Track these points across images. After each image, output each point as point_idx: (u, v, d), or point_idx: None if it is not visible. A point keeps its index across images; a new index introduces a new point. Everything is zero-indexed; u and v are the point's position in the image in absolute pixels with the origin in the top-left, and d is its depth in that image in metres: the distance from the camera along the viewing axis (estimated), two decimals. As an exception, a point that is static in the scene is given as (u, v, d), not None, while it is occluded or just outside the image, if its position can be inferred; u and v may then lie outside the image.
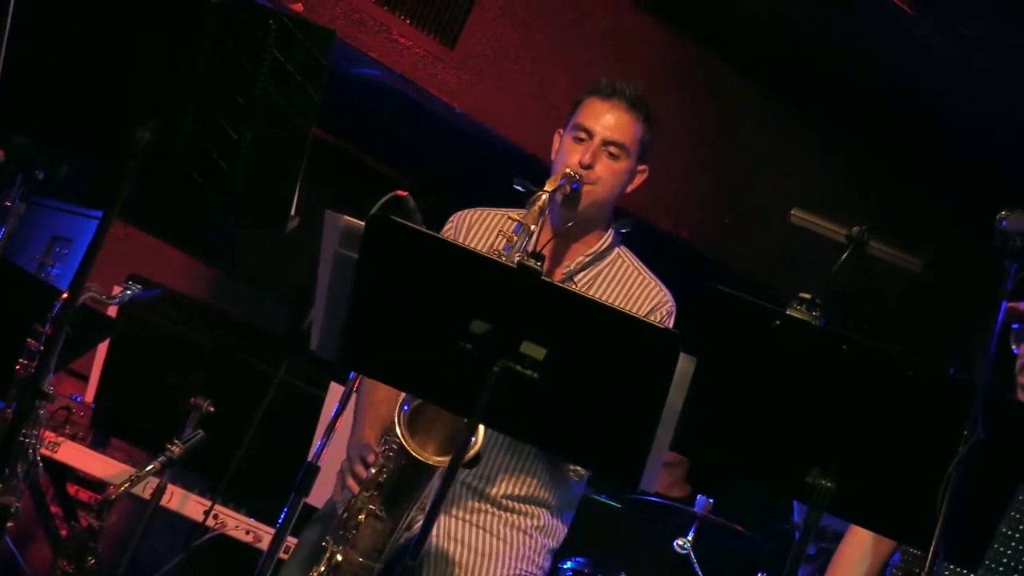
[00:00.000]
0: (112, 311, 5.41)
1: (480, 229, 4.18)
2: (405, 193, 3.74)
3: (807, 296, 3.12)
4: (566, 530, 4.19)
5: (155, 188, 3.28)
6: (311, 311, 3.29)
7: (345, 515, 3.78)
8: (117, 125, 3.19)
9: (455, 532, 3.98)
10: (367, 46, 6.63)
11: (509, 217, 3.94)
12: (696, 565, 6.06)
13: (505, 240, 3.80)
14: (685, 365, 3.00)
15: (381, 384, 3.86)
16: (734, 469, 3.31)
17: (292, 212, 3.21)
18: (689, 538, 6.04)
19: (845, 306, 3.75)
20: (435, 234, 3.23)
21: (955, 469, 2.92)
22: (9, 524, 4.22)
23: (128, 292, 4.56)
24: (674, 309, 4.13)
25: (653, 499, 6.27)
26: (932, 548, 2.91)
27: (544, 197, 3.83)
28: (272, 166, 3.19)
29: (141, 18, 3.19)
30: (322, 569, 3.76)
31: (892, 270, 7.31)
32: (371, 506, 3.74)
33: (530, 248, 3.91)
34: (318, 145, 3.24)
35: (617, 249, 4.18)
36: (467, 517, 3.99)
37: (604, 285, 4.12)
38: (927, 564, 2.91)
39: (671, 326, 4.08)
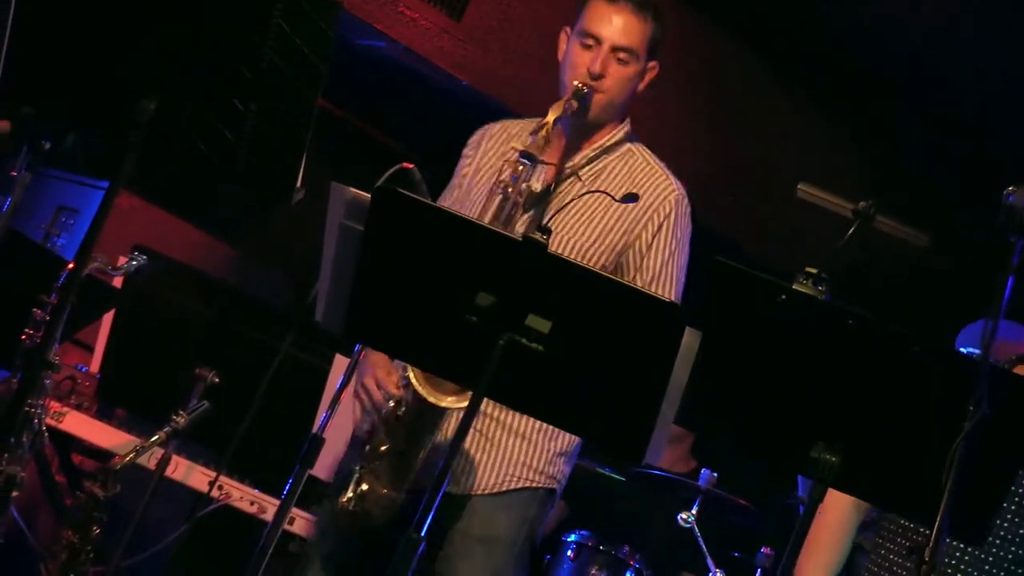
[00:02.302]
0: (117, 282, 5.41)
1: (497, 143, 4.18)
2: (411, 165, 3.74)
3: (813, 271, 3.12)
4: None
5: (161, 159, 3.28)
6: (316, 283, 3.29)
7: (368, 448, 3.81)
8: (123, 96, 3.18)
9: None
10: (373, 18, 6.62)
11: (531, 130, 3.92)
12: (700, 539, 6.06)
13: (511, 170, 3.80)
14: (690, 339, 2.99)
15: None
16: (739, 443, 3.32)
17: (298, 184, 3.21)
18: (693, 512, 6.04)
19: (851, 281, 3.74)
20: (441, 206, 3.23)
21: (960, 445, 2.92)
22: (14, 494, 4.22)
23: (134, 263, 4.56)
24: (683, 199, 4.07)
25: (657, 473, 6.27)
26: (937, 524, 2.91)
27: (548, 125, 3.83)
28: (278, 138, 3.19)
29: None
30: (350, 494, 3.80)
31: (899, 245, 7.30)
32: (392, 441, 3.76)
33: (537, 180, 3.90)
34: (324, 117, 3.23)
35: (630, 144, 4.16)
36: None
37: (610, 176, 4.08)
38: (932, 540, 2.91)
39: (680, 215, 4.05)
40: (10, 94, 3.40)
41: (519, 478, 4.00)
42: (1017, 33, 6.47)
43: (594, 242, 4.02)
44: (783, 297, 3.03)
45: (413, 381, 3.69)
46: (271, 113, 3.17)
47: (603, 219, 4.04)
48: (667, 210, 4.04)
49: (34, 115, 4.20)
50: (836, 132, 7.90)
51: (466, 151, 4.27)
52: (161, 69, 3.18)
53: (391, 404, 3.81)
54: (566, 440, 4.07)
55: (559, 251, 3.73)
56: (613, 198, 4.03)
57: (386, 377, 3.89)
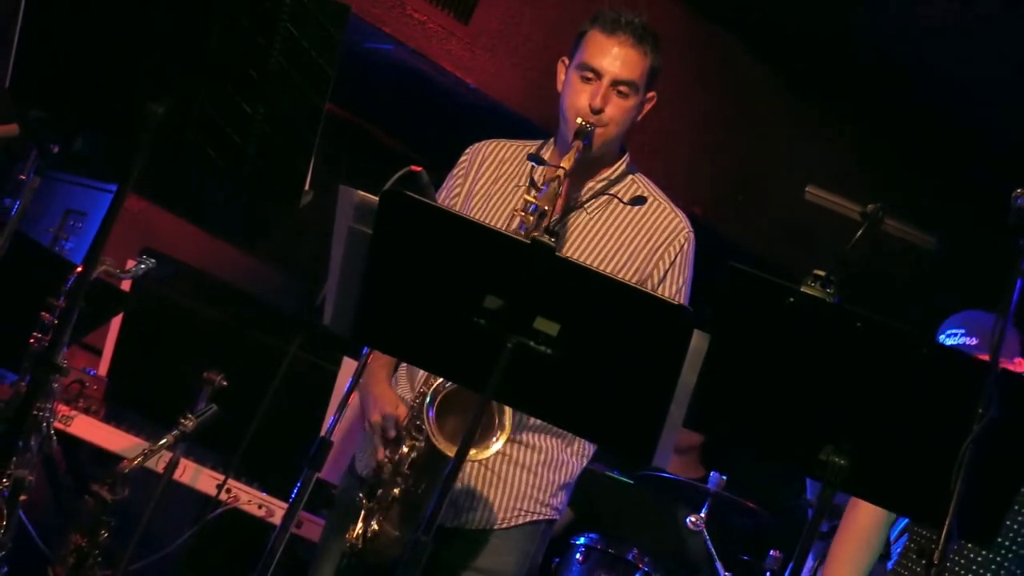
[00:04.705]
0: (126, 285, 5.41)
1: (492, 164, 4.17)
2: (419, 168, 3.74)
3: (821, 273, 3.12)
4: (582, 463, 4.11)
5: (169, 162, 3.28)
6: (324, 286, 3.29)
7: (380, 490, 3.80)
8: (131, 99, 3.18)
9: None
10: (381, 21, 6.62)
11: (527, 152, 3.89)
12: (709, 542, 6.06)
13: (519, 219, 3.79)
14: (699, 342, 2.99)
15: None
16: (747, 446, 3.31)
17: (306, 187, 3.21)
18: (702, 515, 6.04)
19: (860, 283, 3.74)
20: (449, 209, 3.22)
21: (968, 447, 2.92)
22: (23, 497, 4.22)
23: (142, 266, 4.56)
24: (692, 237, 4.07)
25: (666, 475, 6.27)
26: (945, 527, 2.91)
27: (561, 176, 3.82)
28: (286, 141, 3.19)
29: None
30: (359, 530, 3.79)
31: (907, 248, 7.30)
32: (404, 484, 3.76)
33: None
34: (332, 120, 3.23)
35: (632, 176, 4.15)
36: None
37: (615, 212, 4.08)
38: (940, 542, 2.91)
39: (690, 252, 4.06)
40: (19, 97, 3.41)
41: (525, 511, 4.01)
42: (1023, 36, 6.47)
43: (605, 249, 4.02)
44: (792, 300, 3.03)
45: (431, 434, 3.69)
46: (279, 116, 3.17)
47: (612, 229, 4.04)
48: (678, 247, 4.04)
49: (43, 118, 4.21)
50: (845, 135, 7.90)
51: (455, 171, 4.25)
52: (169, 72, 3.18)
53: (403, 449, 3.80)
54: (569, 471, 4.08)
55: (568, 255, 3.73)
56: (621, 200, 4.04)
57: (394, 411, 3.88)
